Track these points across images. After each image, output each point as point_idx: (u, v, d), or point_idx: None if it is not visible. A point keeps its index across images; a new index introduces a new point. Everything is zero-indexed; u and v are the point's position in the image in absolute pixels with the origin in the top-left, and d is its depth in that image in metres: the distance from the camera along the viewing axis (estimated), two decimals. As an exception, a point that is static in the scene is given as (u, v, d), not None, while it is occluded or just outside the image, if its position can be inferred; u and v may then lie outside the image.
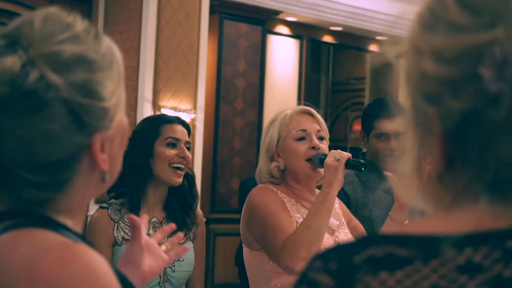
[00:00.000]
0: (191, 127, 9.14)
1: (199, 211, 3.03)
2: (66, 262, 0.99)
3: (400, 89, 0.83)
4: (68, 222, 1.11)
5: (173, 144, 2.89)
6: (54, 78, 1.05)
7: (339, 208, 2.89)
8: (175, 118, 2.99)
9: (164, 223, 2.87)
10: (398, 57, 0.82)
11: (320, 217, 2.52)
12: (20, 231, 1.04)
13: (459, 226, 0.76)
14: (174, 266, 2.84)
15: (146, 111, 8.69)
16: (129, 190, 2.85)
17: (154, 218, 2.90)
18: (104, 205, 2.87)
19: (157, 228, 2.86)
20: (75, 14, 1.14)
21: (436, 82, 0.78)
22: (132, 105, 8.83)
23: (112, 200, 2.88)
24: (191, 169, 3.02)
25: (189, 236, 2.93)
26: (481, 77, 0.74)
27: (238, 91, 10.36)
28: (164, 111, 8.88)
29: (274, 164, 2.76)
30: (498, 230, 0.74)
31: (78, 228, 1.14)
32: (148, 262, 1.71)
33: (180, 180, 2.88)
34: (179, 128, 2.94)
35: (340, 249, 0.79)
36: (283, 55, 11.01)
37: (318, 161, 2.70)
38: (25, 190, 1.07)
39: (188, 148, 2.92)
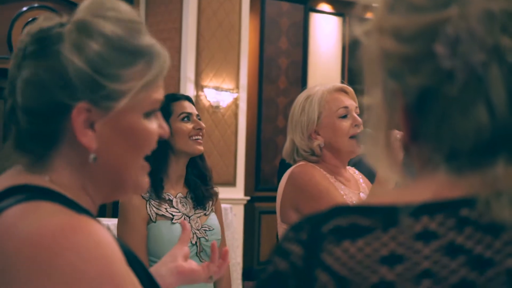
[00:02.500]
0: (234, 106, 9.18)
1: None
2: (68, 232, 1.03)
3: (368, 66, 0.86)
4: (74, 197, 1.15)
5: (187, 118, 3.00)
6: (70, 36, 1.13)
7: (364, 183, 2.89)
8: (181, 95, 3.11)
9: (188, 197, 2.99)
10: (366, 34, 0.85)
11: None
12: (28, 203, 1.08)
13: (418, 196, 0.79)
14: (207, 235, 2.95)
15: (189, 91, 8.73)
16: (151, 171, 2.90)
17: (179, 194, 2.99)
18: None
19: (183, 203, 2.97)
20: (130, 5, 1.20)
21: (396, 60, 0.81)
22: (175, 86, 8.87)
23: None
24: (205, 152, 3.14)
25: (212, 208, 3.04)
26: (436, 54, 0.78)
27: (280, 70, 10.35)
28: (206, 91, 8.92)
29: (316, 141, 2.74)
30: (453, 199, 0.78)
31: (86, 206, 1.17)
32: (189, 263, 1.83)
33: (202, 148, 2.99)
34: (187, 103, 3.04)
35: (311, 220, 0.83)
36: (325, 33, 10.95)
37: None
38: (22, 136, 1.15)
39: (199, 120, 3.04)
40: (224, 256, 1.98)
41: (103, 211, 9.22)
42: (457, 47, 0.77)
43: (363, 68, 0.86)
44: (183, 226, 1.86)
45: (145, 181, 1.24)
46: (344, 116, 2.75)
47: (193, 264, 1.81)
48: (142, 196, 2.90)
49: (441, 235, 0.76)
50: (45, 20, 1.17)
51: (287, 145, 2.82)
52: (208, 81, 9.03)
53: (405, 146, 0.84)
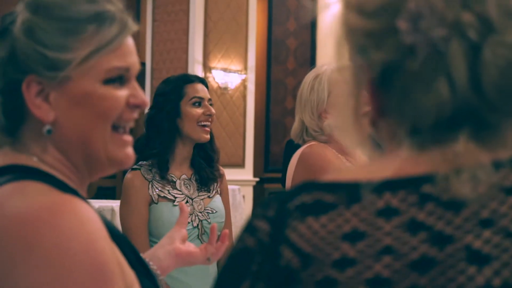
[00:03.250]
0: (242, 88, 9.17)
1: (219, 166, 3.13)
2: (53, 211, 1.04)
3: (336, 41, 0.87)
4: (61, 177, 1.16)
5: (198, 103, 2.96)
6: (20, 14, 1.16)
7: None
8: (195, 77, 3.06)
9: (192, 179, 2.98)
10: (332, 10, 0.86)
11: None
12: (16, 183, 1.10)
13: (382, 172, 0.79)
14: (209, 218, 2.94)
15: (197, 73, 8.72)
16: (158, 152, 2.94)
17: (184, 176, 2.98)
18: (135, 166, 2.94)
19: (187, 185, 2.96)
20: None
21: (361, 35, 0.82)
22: (183, 68, 8.86)
23: (141, 162, 2.95)
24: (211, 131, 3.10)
25: (217, 189, 3.03)
26: (398, 29, 0.78)
27: (289, 51, 10.31)
28: (214, 72, 8.90)
29: (326, 120, 2.72)
30: (415, 175, 0.78)
31: (75, 186, 1.18)
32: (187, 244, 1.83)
33: (208, 136, 2.96)
34: (201, 86, 3.00)
35: (279, 197, 0.83)
36: (335, 13, 10.89)
37: None
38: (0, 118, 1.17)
39: (211, 105, 3.00)
40: (223, 238, 1.97)
41: (113, 194, 9.24)
42: (418, 22, 0.77)
43: (332, 43, 0.86)
44: (181, 208, 1.85)
45: (125, 153, 1.20)
46: None
47: (191, 246, 1.81)
48: (145, 177, 2.90)
49: (402, 211, 0.77)
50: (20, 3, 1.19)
51: (296, 125, 2.80)
52: (216, 63, 9.02)
53: (373, 121, 0.84)
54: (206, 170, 3.00)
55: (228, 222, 3.06)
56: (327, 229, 0.78)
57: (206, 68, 8.95)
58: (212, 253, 1.93)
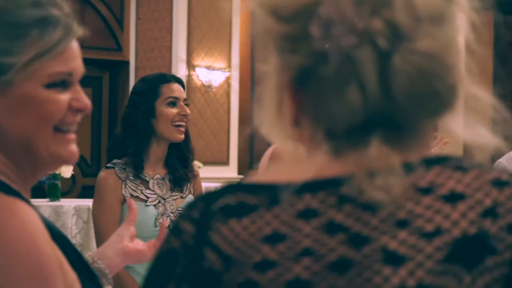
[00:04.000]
0: (226, 85, 9.17)
1: (195, 165, 3.14)
2: None
3: (259, 39, 0.86)
4: (4, 179, 1.16)
5: (173, 103, 2.96)
6: None
7: None
8: (172, 77, 3.08)
9: (165, 179, 2.98)
10: (253, 10, 0.85)
11: None
12: None
13: (302, 174, 0.80)
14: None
15: (180, 71, 8.72)
16: (133, 151, 2.95)
17: (157, 175, 2.98)
18: (109, 165, 2.96)
19: (160, 185, 2.97)
20: None
21: (278, 38, 0.82)
22: (167, 66, 8.85)
23: (115, 160, 2.96)
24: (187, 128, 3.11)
25: (190, 190, 3.04)
26: (311, 35, 0.78)
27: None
28: (198, 70, 8.90)
29: None
30: (334, 177, 0.79)
31: (18, 188, 1.18)
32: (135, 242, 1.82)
33: (183, 136, 2.97)
34: (177, 86, 3.01)
35: (204, 198, 0.84)
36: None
37: None
38: None
39: (187, 105, 3.01)
40: None
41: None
42: (330, 29, 0.77)
43: (255, 41, 0.86)
44: (129, 206, 1.86)
45: (69, 151, 1.20)
46: None
47: (139, 244, 1.82)
48: (119, 176, 2.90)
49: (321, 212, 0.77)
50: None
51: None
52: (200, 61, 9.02)
53: (295, 121, 0.84)
54: (180, 171, 3.00)
55: None
56: (248, 232, 0.78)
57: (190, 66, 8.94)
58: None
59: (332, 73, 0.77)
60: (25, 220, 1.07)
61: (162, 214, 2.90)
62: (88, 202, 5.56)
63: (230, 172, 9.28)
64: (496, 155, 0.78)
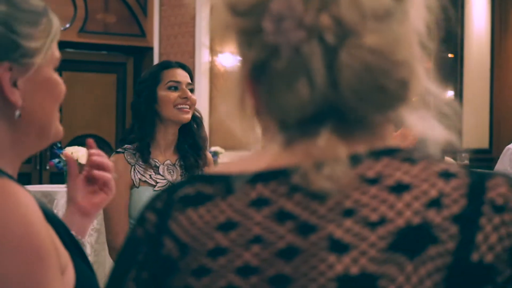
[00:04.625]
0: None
1: (208, 153, 3.14)
2: None
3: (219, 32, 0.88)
4: None
5: (174, 88, 2.98)
6: None
7: None
8: (175, 63, 3.08)
9: (176, 165, 3.00)
10: (211, 6, 0.87)
11: None
12: None
13: (256, 165, 0.82)
14: None
15: (204, 56, 8.73)
16: (137, 137, 2.99)
17: (168, 161, 3.00)
18: (119, 150, 3.01)
19: (171, 170, 2.99)
20: None
21: (236, 32, 0.84)
22: (190, 52, 8.88)
23: (126, 145, 3.01)
24: (199, 111, 3.10)
25: None
26: (264, 30, 0.80)
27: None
28: (221, 56, 8.91)
29: None
30: (286, 167, 0.81)
31: (9, 169, 1.23)
32: (88, 197, 1.63)
33: (189, 116, 2.97)
34: (179, 71, 3.02)
35: (168, 189, 0.87)
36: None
37: None
38: None
39: (191, 90, 3.01)
40: None
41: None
42: (280, 24, 0.79)
43: (214, 34, 0.89)
44: (66, 158, 1.74)
45: (61, 128, 1.31)
46: None
47: (94, 198, 1.64)
48: (128, 161, 2.95)
49: (272, 201, 0.79)
50: None
51: None
52: (223, 46, 9.01)
53: (256, 113, 0.86)
54: (191, 158, 3.01)
55: None
56: (203, 220, 0.81)
57: (213, 52, 8.96)
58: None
59: (283, 67, 0.79)
60: (19, 202, 1.09)
61: None
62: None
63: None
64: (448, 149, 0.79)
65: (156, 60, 9.32)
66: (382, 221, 0.77)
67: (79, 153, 5.42)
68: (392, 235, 0.76)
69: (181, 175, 2.99)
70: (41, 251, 1.08)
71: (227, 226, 0.80)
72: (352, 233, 0.77)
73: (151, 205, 0.87)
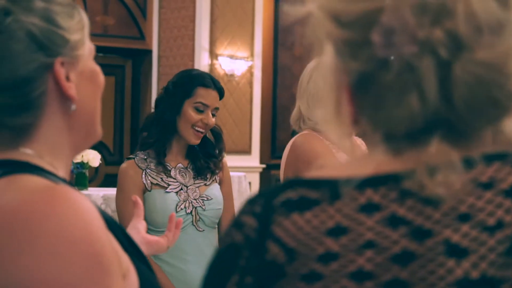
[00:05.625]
0: (248, 74, 9.16)
1: (224, 159, 3.17)
2: (51, 202, 1.05)
3: (316, 41, 0.87)
4: (50, 168, 1.19)
5: (201, 110, 2.96)
6: (11, 7, 1.16)
7: None
8: (212, 83, 3.01)
9: (188, 168, 3.03)
10: (311, 14, 0.85)
11: None
12: (6, 178, 1.11)
13: (362, 170, 0.82)
14: (204, 205, 2.99)
15: (203, 60, 8.72)
16: (155, 141, 3.00)
17: (180, 164, 3.03)
18: (130, 156, 3.04)
19: (183, 173, 3.02)
20: None
21: (339, 42, 0.83)
22: (190, 55, 8.87)
23: (137, 151, 3.04)
24: (218, 125, 3.10)
25: (215, 178, 3.07)
26: (372, 42, 0.79)
27: (296, 37, 10.29)
28: (221, 59, 8.90)
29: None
30: (395, 172, 0.81)
31: (62, 174, 1.22)
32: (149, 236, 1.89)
33: (198, 141, 2.98)
34: (213, 94, 2.98)
35: (265, 193, 0.86)
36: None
37: None
38: (1, 115, 1.16)
39: (215, 113, 3.00)
40: (177, 225, 2.08)
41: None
42: (391, 37, 0.78)
43: (312, 42, 0.87)
44: (135, 202, 1.93)
45: (101, 128, 1.30)
46: None
47: (153, 236, 1.90)
48: (139, 166, 2.97)
49: (383, 207, 0.80)
50: None
51: (295, 112, 2.83)
52: (223, 50, 9.01)
53: (353, 121, 0.86)
54: (201, 160, 3.03)
55: (228, 209, 3.10)
56: (311, 225, 0.81)
57: (213, 55, 8.95)
58: (170, 240, 2.04)
59: (393, 80, 0.79)
60: (81, 208, 1.06)
61: (184, 201, 2.94)
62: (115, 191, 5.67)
63: (252, 162, 9.28)
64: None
65: (155, 63, 9.30)
66: (500, 225, 0.78)
67: (89, 156, 5.39)
68: (510, 240, 0.78)
69: (193, 178, 3.01)
70: (103, 259, 1.06)
71: (337, 231, 0.80)
72: (469, 238, 0.78)
73: (247, 210, 0.85)
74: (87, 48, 1.24)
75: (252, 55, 9.23)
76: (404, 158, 0.81)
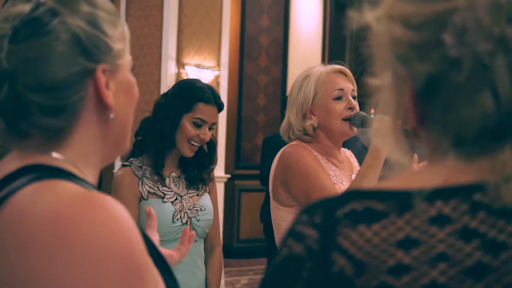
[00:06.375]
0: (215, 84, 9.17)
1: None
2: (86, 208, 1.03)
3: (378, 50, 0.88)
4: (81, 175, 1.17)
5: (198, 125, 2.95)
6: (59, 8, 1.14)
7: (359, 166, 2.90)
8: (213, 98, 3.00)
9: (181, 177, 3.03)
10: (376, 20, 0.87)
11: (370, 178, 2.51)
12: (41, 182, 1.09)
13: (430, 181, 0.81)
14: (198, 215, 2.99)
15: (170, 68, 8.71)
16: (155, 150, 2.99)
17: (173, 173, 3.03)
18: (125, 163, 3.00)
19: (176, 183, 3.01)
20: None
21: (405, 46, 0.83)
22: (156, 64, 8.84)
23: (131, 159, 3.00)
24: (214, 136, 3.10)
25: (206, 189, 3.09)
26: (444, 43, 0.80)
27: (261, 48, 10.34)
28: (188, 68, 8.90)
29: (309, 121, 2.76)
30: (465, 184, 0.80)
31: (91, 181, 1.20)
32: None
33: (192, 154, 2.98)
34: (212, 110, 2.98)
35: (324, 204, 0.85)
36: (307, 11, 10.94)
37: (360, 121, 2.72)
38: (38, 116, 1.14)
39: (212, 127, 3.00)
40: (189, 238, 2.09)
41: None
42: (464, 36, 0.79)
43: (373, 52, 0.88)
44: (148, 214, 1.93)
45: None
46: (339, 98, 2.76)
47: (165, 249, 1.91)
48: (135, 174, 2.94)
49: (455, 219, 0.79)
50: (15, 6, 1.16)
51: (284, 122, 2.84)
52: (190, 59, 9.01)
53: (413, 131, 0.86)
54: (194, 170, 3.04)
55: (215, 221, 3.12)
56: (380, 237, 0.80)
57: (180, 64, 8.94)
58: (183, 254, 2.05)
59: (465, 80, 0.79)
60: (117, 215, 1.04)
61: (180, 211, 2.93)
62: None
63: (217, 171, 9.27)
64: None
65: (121, 71, 9.26)
66: None
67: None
68: None
69: (186, 187, 3.01)
70: (140, 268, 1.04)
71: (408, 243, 0.79)
72: None
73: (306, 221, 0.84)
74: (127, 60, 1.22)
75: (218, 64, 9.24)
76: (475, 166, 0.81)
